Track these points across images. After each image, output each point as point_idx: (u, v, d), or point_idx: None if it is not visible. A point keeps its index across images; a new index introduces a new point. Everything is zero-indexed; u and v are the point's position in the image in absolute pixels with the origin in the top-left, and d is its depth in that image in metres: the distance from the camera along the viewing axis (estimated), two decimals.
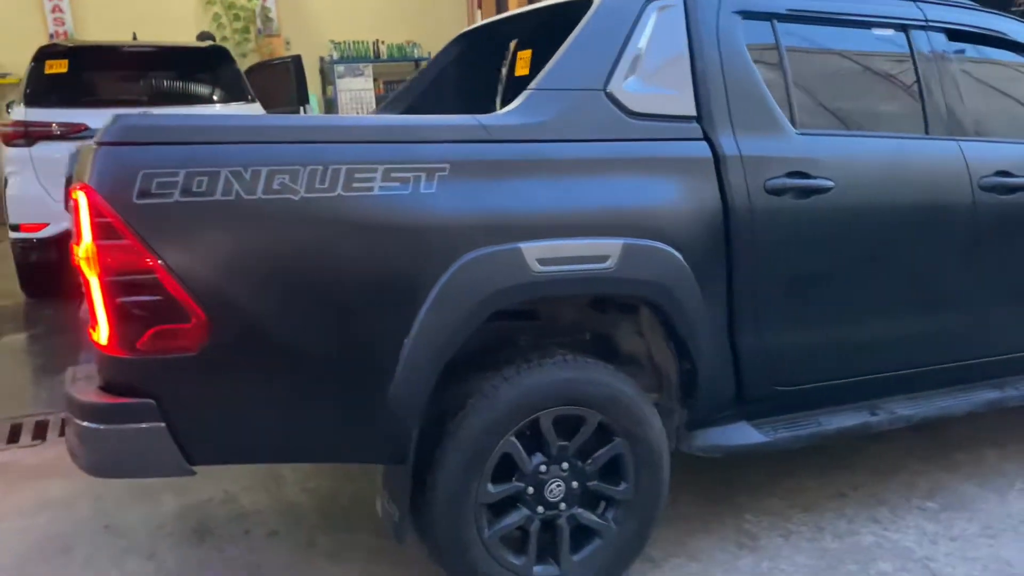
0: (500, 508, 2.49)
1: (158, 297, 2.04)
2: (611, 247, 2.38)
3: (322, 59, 12.48)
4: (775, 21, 2.79)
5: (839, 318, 2.85)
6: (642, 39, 2.58)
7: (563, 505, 2.52)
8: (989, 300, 3.12)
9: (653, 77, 2.58)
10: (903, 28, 3.01)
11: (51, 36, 11.15)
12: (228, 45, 12.04)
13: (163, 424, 2.09)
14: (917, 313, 2.99)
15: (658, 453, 2.59)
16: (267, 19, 12.16)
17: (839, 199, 2.74)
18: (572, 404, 2.46)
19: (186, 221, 2.05)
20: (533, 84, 2.48)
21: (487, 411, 2.36)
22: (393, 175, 2.19)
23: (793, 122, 2.74)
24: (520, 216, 2.31)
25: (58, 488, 3.51)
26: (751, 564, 2.84)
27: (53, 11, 11.24)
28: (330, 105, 12.30)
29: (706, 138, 2.60)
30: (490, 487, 2.41)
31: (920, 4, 3.05)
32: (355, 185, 2.15)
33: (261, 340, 2.13)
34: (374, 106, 12.50)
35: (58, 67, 5.89)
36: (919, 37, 3.01)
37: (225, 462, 2.41)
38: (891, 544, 2.94)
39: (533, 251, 2.28)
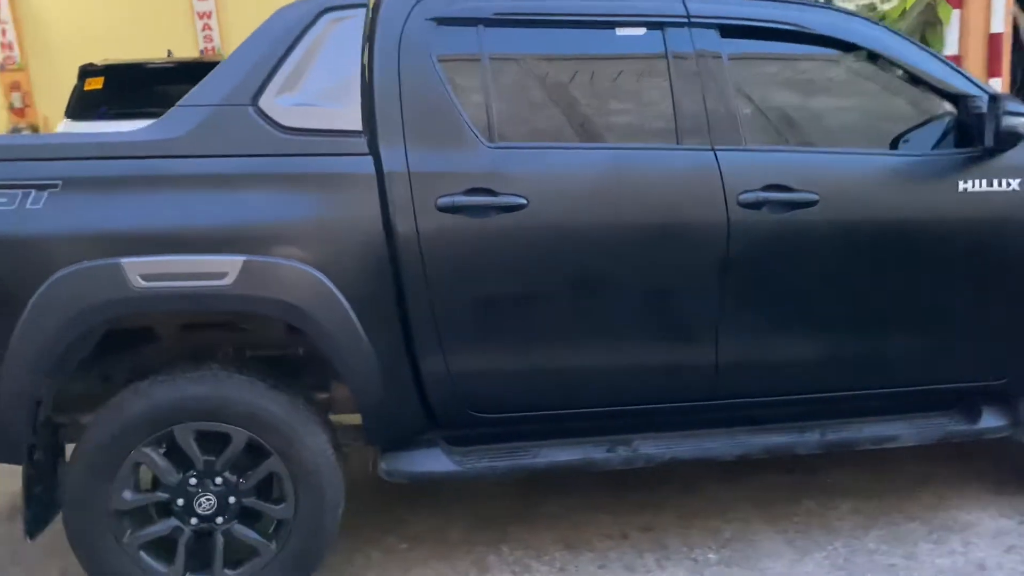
0: (151, 516, 2.55)
1: None
2: (229, 264, 2.36)
3: None
4: (482, 27, 2.61)
5: (542, 346, 2.63)
6: (306, 52, 2.53)
7: (219, 519, 2.53)
8: (753, 335, 2.74)
9: (315, 91, 2.52)
10: (656, 26, 2.69)
11: (201, 52, 12.28)
12: None
13: None
14: (651, 345, 2.69)
15: (315, 473, 2.53)
16: None
17: (534, 217, 2.53)
18: (212, 420, 2.47)
19: None
20: (182, 100, 2.50)
21: (112, 421, 2.43)
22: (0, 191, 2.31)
23: (491, 135, 2.56)
24: (126, 232, 2.35)
25: None
26: None
27: (203, 29, 12.36)
28: None
29: (373, 153, 2.49)
30: (127, 495, 2.48)
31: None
32: None
33: None
34: None
35: (95, 84, 6.56)
36: (676, 36, 2.68)
37: None
38: None
39: (136, 267, 2.32)
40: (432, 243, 2.49)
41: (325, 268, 2.42)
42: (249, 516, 2.58)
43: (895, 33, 2.86)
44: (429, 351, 2.56)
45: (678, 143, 2.65)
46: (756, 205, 2.62)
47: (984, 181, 2.75)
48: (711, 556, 2.90)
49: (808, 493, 3.27)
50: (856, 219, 2.70)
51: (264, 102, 2.48)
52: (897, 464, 3.41)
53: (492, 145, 2.55)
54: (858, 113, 2.95)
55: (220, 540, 2.55)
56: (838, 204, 2.69)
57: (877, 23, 2.87)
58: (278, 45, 2.52)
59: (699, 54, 2.68)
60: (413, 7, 2.58)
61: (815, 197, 2.65)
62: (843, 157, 2.77)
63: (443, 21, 2.59)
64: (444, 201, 2.48)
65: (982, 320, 2.86)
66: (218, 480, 2.52)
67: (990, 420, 2.93)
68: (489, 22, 2.61)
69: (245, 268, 2.36)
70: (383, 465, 2.66)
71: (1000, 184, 2.76)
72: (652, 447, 2.76)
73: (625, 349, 2.68)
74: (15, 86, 11.64)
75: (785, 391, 2.82)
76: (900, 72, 2.82)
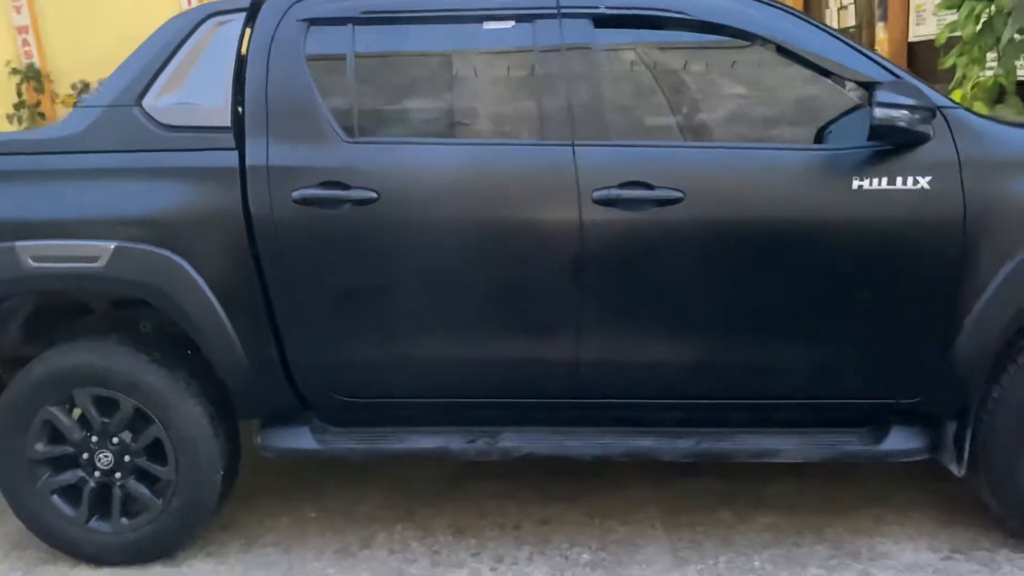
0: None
1: None
2: (101, 249, 2.63)
3: None
4: (352, 25, 2.70)
5: (397, 336, 2.70)
6: (188, 54, 2.74)
7: (117, 474, 2.86)
8: (624, 334, 2.66)
9: (193, 90, 2.73)
10: (525, 19, 2.64)
11: None
12: None
13: None
14: (507, 340, 2.68)
15: (191, 440, 2.78)
16: None
17: (385, 210, 2.60)
18: (102, 386, 2.78)
19: None
20: (83, 100, 2.80)
21: (23, 383, 2.80)
22: None
23: (350, 131, 2.66)
24: (21, 219, 2.68)
25: None
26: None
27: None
28: None
29: (238, 148, 2.68)
30: (40, 447, 2.85)
31: None
32: None
33: None
34: None
35: None
36: (545, 28, 2.62)
37: None
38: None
39: (28, 249, 2.65)
40: (288, 234, 2.64)
41: (189, 255, 2.64)
42: (143, 475, 2.87)
43: (797, 16, 2.63)
44: (291, 336, 2.72)
45: (540, 138, 2.62)
46: (611, 202, 2.54)
47: (884, 179, 2.49)
48: (584, 556, 2.86)
49: (732, 503, 3.12)
50: (728, 218, 2.55)
51: (147, 102, 2.72)
52: (854, 481, 3.17)
53: (350, 140, 2.65)
54: (753, 105, 2.75)
55: (118, 493, 2.87)
56: (707, 202, 2.54)
57: (776, 4, 2.64)
58: (164, 49, 2.75)
59: (568, 47, 2.61)
60: (287, 9, 2.72)
61: (679, 195, 2.53)
62: (715, 152, 2.61)
63: (315, 22, 2.70)
64: (299, 194, 2.61)
65: (883, 332, 2.60)
66: (115, 440, 2.84)
67: (898, 442, 2.67)
68: (358, 21, 2.69)
69: (116, 253, 2.63)
70: (259, 439, 2.87)
71: (905, 182, 2.49)
72: (511, 441, 2.77)
73: (480, 343, 2.69)
74: None
75: (653, 394, 2.72)
76: (801, 60, 2.60)
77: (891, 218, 2.51)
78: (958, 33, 6.16)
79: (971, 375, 2.57)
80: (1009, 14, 5.41)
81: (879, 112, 2.35)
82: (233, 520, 3.18)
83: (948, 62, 6.42)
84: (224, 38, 2.74)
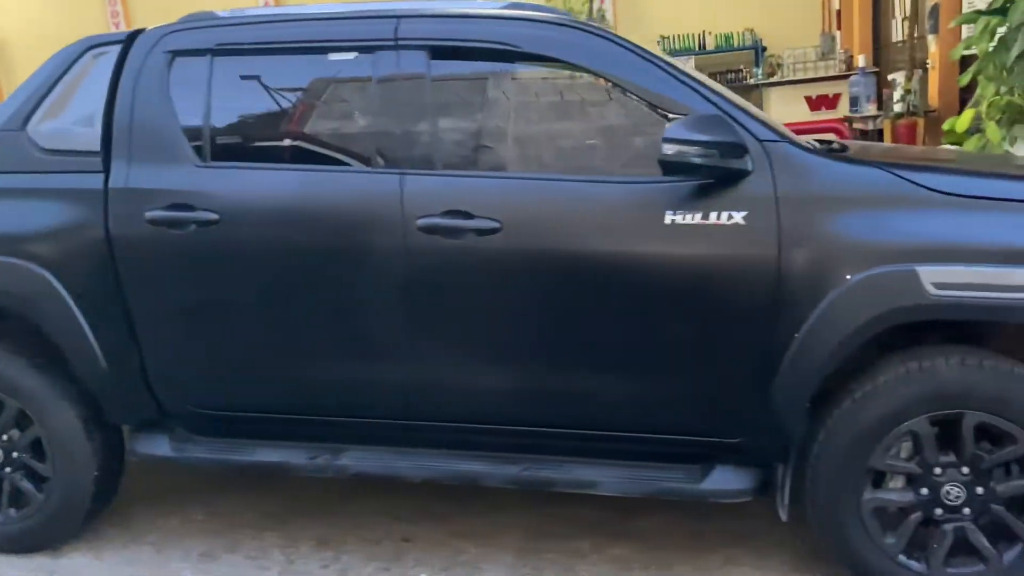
0: None
1: None
2: None
3: None
4: (212, 56, 2.85)
5: (243, 353, 2.83)
6: (70, 82, 2.96)
7: (7, 469, 3.10)
8: (448, 359, 2.70)
9: (72, 116, 2.95)
10: (366, 51, 2.74)
11: None
12: None
13: None
14: (340, 361, 2.77)
15: (65, 441, 2.99)
16: (602, 19, 12.75)
17: (225, 233, 2.74)
18: None
19: None
20: None
21: None
22: None
23: (204, 155, 2.81)
24: None
25: None
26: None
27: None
28: None
29: (105, 171, 2.87)
30: None
31: (394, 20, 2.71)
32: None
33: None
34: None
35: None
36: (384, 59, 2.70)
37: None
38: None
39: None
40: (142, 252, 2.81)
41: (56, 269, 2.85)
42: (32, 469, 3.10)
43: (625, 46, 2.61)
44: (149, 349, 2.90)
45: (374, 167, 2.70)
46: (433, 230, 2.60)
47: (699, 214, 2.45)
48: (423, 575, 2.91)
49: (595, 532, 3.10)
50: (544, 249, 2.56)
51: (31, 127, 2.95)
52: (726, 518, 3.08)
53: (200, 165, 2.80)
54: (581, 136, 2.74)
55: (6, 486, 3.10)
56: (523, 232, 2.57)
57: (604, 34, 2.63)
58: (48, 78, 2.98)
59: (403, 77, 2.69)
60: (156, 42, 2.90)
61: (496, 225, 2.56)
62: (532, 183, 2.62)
63: (179, 53, 2.87)
64: (151, 214, 2.79)
65: (700, 369, 2.55)
66: (4, 436, 3.08)
67: (721, 482, 2.61)
68: (215, 52, 2.85)
69: None
70: (128, 444, 3.06)
71: (719, 217, 2.44)
72: (349, 459, 2.85)
73: (316, 363, 2.79)
74: None
75: (480, 419, 2.75)
76: (624, 90, 2.59)
77: (704, 253, 2.47)
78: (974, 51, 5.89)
79: (790, 416, 2.49)
80: (1018, 29, 5.15)
81: (666, 148, 2.33)
82: (129, 517, 3.39)
83: (965, 80, 6.12)
84: (101, 68, 2.94)
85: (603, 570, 2.89)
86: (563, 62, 2.61)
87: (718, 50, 12.32)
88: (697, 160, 2.33)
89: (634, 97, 2.57)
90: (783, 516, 2.57)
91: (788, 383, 2.46)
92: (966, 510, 2.46)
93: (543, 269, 2.57)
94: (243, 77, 2.89)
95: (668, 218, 2.47)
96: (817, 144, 3.10)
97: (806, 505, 2.56)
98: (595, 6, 12.77)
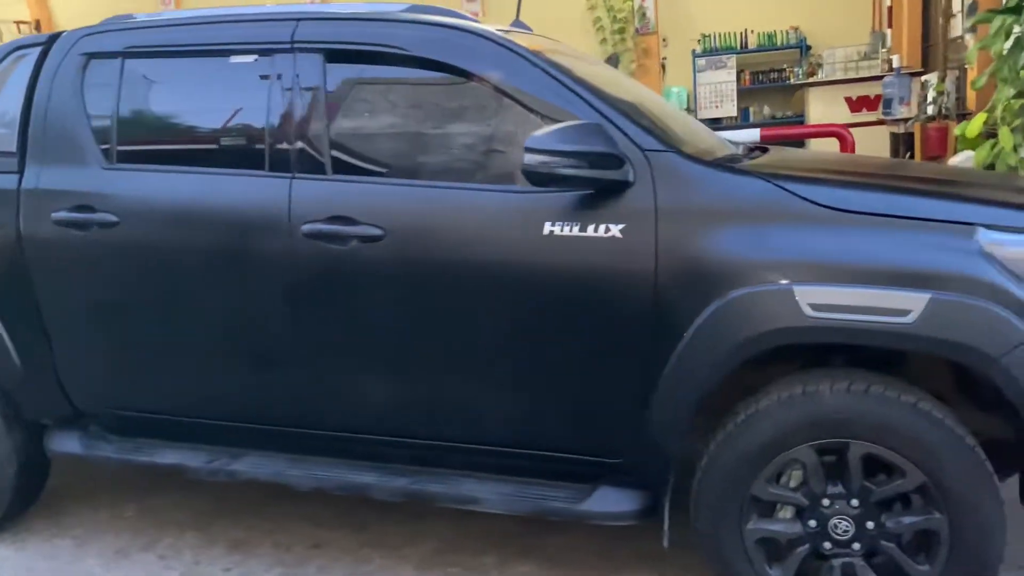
0: None
1: None
2: None
3: (693, 52, 12.41)
4: (124, 59, 2.87)
5: (143, 355, 2.85)
6: None
7: None
8: (335, 367, 2.67)
9: None
10: (265, 54, 2.72)
11: None
12: (606, 46, 12.89)
13: None
14: (233, 366, 2.76)
15: None
16: (643, 17, 12.55)
17: (124, 234, 2.77)
18: None
19: None
20: None
21: None
22: None
23: (110, 157, 2.83)
24: None
25: None
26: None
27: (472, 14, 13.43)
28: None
29: (20, 171, 2.92)
30: None
31: (293, 22, 2.69)
32: None
33: None
34: (735, 99, 12.01)
35: None
36: (281, 62, 2.68)
37: None
38: None
39: None
40: (50, 252, 2.86)
41: None
42: None
43: (514, 51, 2.52)
44: (59, 347, 2.94)
45: (268, 170, 2.68)
46: (318, 236, 2.57)
47: (577, 225, 2.36)
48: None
49: (505, 548, 3.02)
50: (425, 258, 2.51)
51: None
52: (640, 539, 2.96)
53: (106, 167, 2.82)
54: (467, 141, 2.65)
55: None
56: (406, 240, 2.52)
57: (492, 37, 2.55)
58: None
59: (298, 81, 2.67)
60: (73, 44, 2.93)
61: (379, 232, 2.52)
62: (416, 190, 2.55)
63: (93, 56, 2.90)
64: (56, 215, 2.83)
65: (580, 387, 2.46)
66: None
67: (603, 503, 2.51)
68: (125, 55, 2.87)
69: None
70: (44, 439, 3.11)
71: (597, 230, 2.35)
72: (242, 465, 2.84)
73: (211, 366, 2.79)
74: None
75: (369, 430, 2.70)
76: (510, 97, 2.50)
77: (582, 267, 2.37)
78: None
79: (667, 438, 2.38)
80: None
81: (527, 158, 2.24)
82: (62, 511, 3.45)
83: (981, 83, 5.81)
84: (21, 70, 2.99)
85: None
86: (448, 66, 2.54)
87: (760, 49, 11.98)
88: (561, 171, 2.24)
89: (518, 103, 2.48)
90: (664, 542, 2.45)
91: (665, 403, 2.36)
92: (856, 545, 2.31)
93: (425, 278, 2.52)
94: (149, 80, 2.90)
95: (547, 229, 2.38)
96: (744, 150, 2.98)
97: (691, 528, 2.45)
98: (636, 4, 12.58)
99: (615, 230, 2.33)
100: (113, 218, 2.76)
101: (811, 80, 10.88)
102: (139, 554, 3.12)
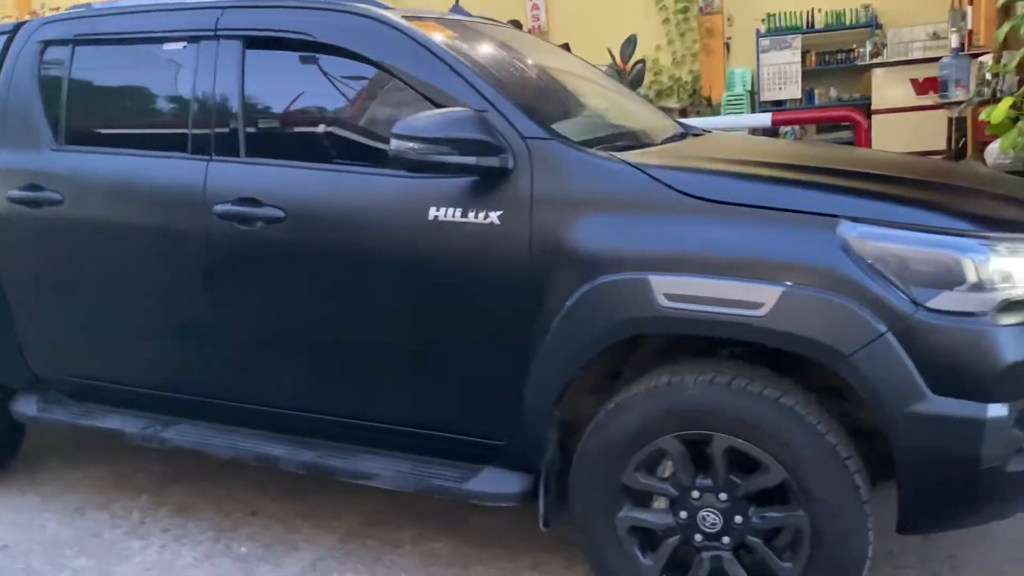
0: None
1: None
2: None
3: (757, 32, 12.05)
4: (75, 46, 3.04)
5: (87, 324, 3.03)
6: None
7: None
8: (247, 344, 2.78)
9: None
10: (193, 40, 2.83)
11: (529, 31, 13.36)
12: (668, 27, 12.68)
13: None
14: (165, 339, 2.91)
15: None
16: None
17: (67, 212, 2.95)
18: None
19: None
20: None
21: None
22: None
23: (59, 139, 3.01)
24: None
25: None
26: None
27: (532, 8, 13.40)
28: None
29: None
30: None
31: (218, 10, 2.79)
32: None
33: None
34: (799, 81, 11.62)
35: None
36: (205, 49, 2.79)
37: None
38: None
39: None
40: (6, 228, 3.07)
41: None
42: None
43: (411, 37, 2.55)
44: (17, 316, 3.15)
45: (190, 152, 2.80)
46: (229, 217, 2.68)
47: (459, 210, 2.40)
48: (243, 549, 3.02)
49: (424, 524, 3.10)
50: (322, 239, 2.59)
51: None
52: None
53: (55, 148, 3.01)
54: (369, 126, 2.70)
55: None
56: (304, 222, 2.61)
57: (393, 23, 2.58)
58: None
59: (219, 66, 2.78)
60: (33, 32, 3.12)
61: (281, 214, 2.61)
62: (314, 173, 2.62)
63: (49, 43, 3.09)
64: (11, 193, 3.03)
65: (462, 370, 2.50)
66: None
67: (488, 484, 2.55)
68: (76, 42, 3.04)
69: None
70: (10, 403, 3.33)
71: (477, 216, 2.38)
72: (172, 432, 2.99)
73: (145, 339, 2.95)
74: None
75: (280, 404, 2.81)
76: (406, 82, 2.55)
77: (463, 251, 2.41)
78: None
79: (539, 421, 2.40)
80: None
81: (393, 144, 2.28)
82: (42, 469, 3.70)
83: (1011, 65, 5.50)
84: None
85: (409, 562, 2.90)
86: (351, 52, 2.60)
87: (827, 28, 11.54)
88: (429, 158, 2.28)
89: (412, 89, 2.52)
90: (541, 525, 2.47)
91: (534, 388, 2.38)
92: (725, 539, 2.29)
93: (322, 259, 2.60)
94: (94, 66, 3.06)
95: (432, 214, 2.43)
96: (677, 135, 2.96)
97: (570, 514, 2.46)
98: None
99: (493, 216, 2.36)
100: (57, 196, 2.94)
101: (875, 61, 10.44)
102: (94, 512, 3.33)
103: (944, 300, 2.01)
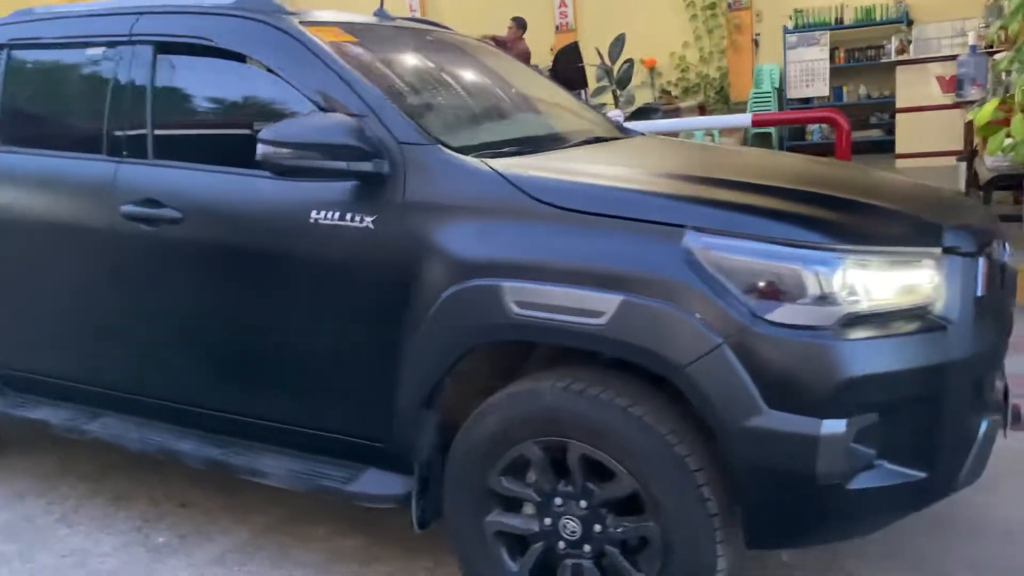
0: None
1: None
2: None
3: (784, 28, 11.84)
4: (9, 51, 3.17)
5: (18, 319, 3.16)
6: None
7: None
8: (154, 341, 2.87)
9: None
10: (111, 45, 2.92)
11: (556, 28, 13.36)
12: (696, 23, 12.55)
13: None
14: (83, 336, 3.02)
15: None
16: None
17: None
18: None
19: None
20: None
21: None
22: None
23: None
24: None
25: None
26: None
27: (560, 6, 13.39)
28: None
29: None
30: None
31: (134, 16, 2.88)
32: None
33: None
34: (827, 78, 11.39)
35: None
36: (122, 54, 2.88)
37: None
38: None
39: None
40: None
41: None
42: None
43: (300, 40, 2.59)
44: None
45: (105, 154, 2.90)
46: (134, 218, 2.76)
47: (337, 214, 2.44)
48: (160, 539, 3.11)
49: (339, 521, 3.15)
50: (213, 240, 2.66)
51: None
52: None
53: None
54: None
55: None
56: (198, 223, 2.68)
57: (282, 26, 2.62)
58: None
59: (131, 70, 2.86)
60: None
61: (179, 215, 2.68)
62: (207, 175, 2.69)
63: None
64: None
65: (341, 372, 2.54)
66: None
67: (370, 485, 2.58)
68: (10, 47, 3.16)
69: None
70: None
71: (354, 219, 2.42)
72: (95, 425, 3.08)
73: (66, 334, 3.06)
74: None
75: (186, 400, 2.88)
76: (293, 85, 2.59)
77: (339, 255, 2.45)
78: None
79: (411, 424, 2.43)
80: None
81: (259, 148, 2.33)
82: (23, 456, 3.84)
83: (1002, 65, 5.33)
84: None
85: (314, 558, 2.95)
86: (244, 56, 2.67)
87: (857, 24, 11.29)
88: (295, 163, 2.32)
89: (300, 93, 2.57)
90: (415, 528, 2.50)
91: (405, 390, 2.41)
92: (586, 547, 2.29)
93: (215, 260, 2.66)
94: (25, 70, 3.19)
95: (312, 217, 2.47)
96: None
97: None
98: None
99: (368, 221, 2.39)
100: None
101: (899, 58, 10.18)
102: (33, 498, 3.46)
103: (784, 313, 1.98)
